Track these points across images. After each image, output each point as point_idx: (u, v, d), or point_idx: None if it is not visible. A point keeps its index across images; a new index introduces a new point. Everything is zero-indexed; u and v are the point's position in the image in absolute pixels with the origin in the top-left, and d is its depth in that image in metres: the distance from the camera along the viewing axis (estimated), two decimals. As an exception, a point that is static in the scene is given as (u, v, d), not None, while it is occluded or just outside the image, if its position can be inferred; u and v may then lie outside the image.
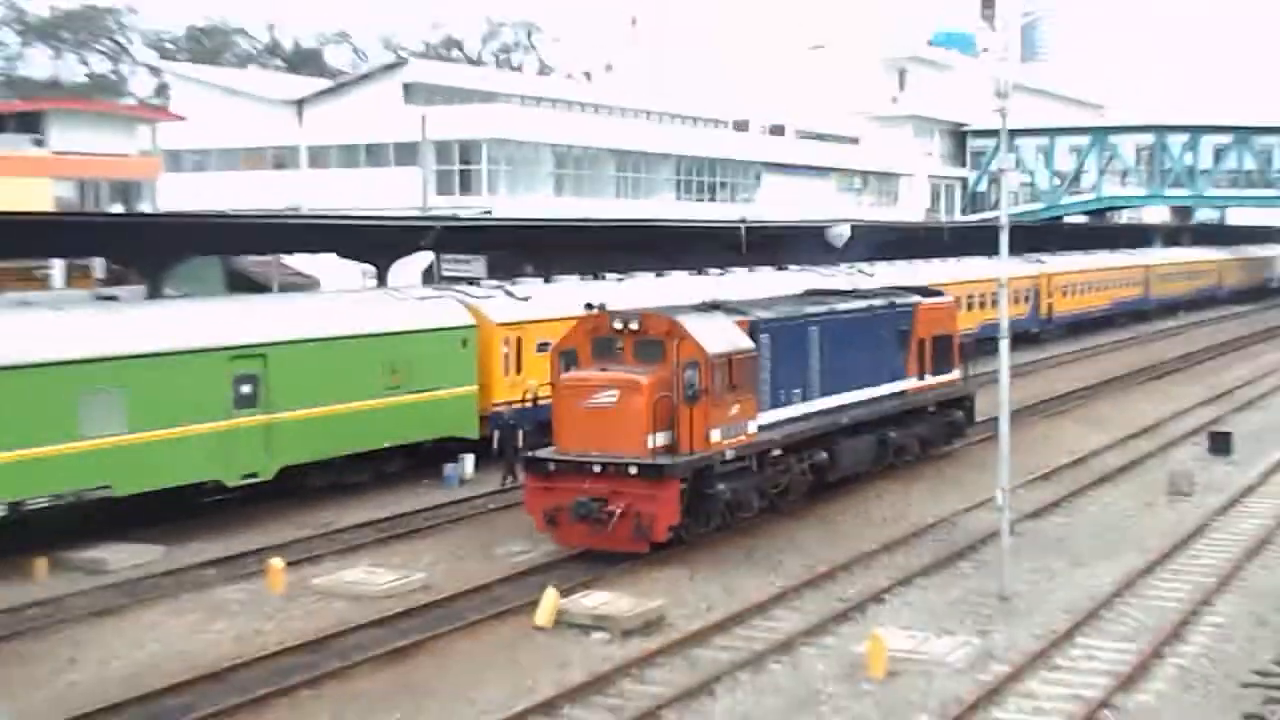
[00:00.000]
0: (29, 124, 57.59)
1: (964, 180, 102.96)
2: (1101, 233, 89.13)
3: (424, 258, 44.33)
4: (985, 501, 27.26)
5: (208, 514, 27.58)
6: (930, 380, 33.21)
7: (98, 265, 47.71)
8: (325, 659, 19.42)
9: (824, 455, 28.51)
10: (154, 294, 31.30)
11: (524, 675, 18.88)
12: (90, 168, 58.53)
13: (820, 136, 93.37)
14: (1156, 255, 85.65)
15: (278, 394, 27.95)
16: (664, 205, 71.48)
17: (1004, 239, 23.37)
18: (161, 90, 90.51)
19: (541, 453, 24.59)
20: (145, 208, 59.23)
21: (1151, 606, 22.09)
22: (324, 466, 29.62)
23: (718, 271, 44.60)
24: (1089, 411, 43.80)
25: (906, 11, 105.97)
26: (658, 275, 42.25)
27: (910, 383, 32.45)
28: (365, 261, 40.89)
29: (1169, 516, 28.76)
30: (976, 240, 57.63)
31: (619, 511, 23.41)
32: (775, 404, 26.80)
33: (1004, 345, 23.29)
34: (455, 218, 46.96)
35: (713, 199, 77.23)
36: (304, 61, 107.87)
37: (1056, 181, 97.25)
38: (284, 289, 46.72)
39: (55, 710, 17.57)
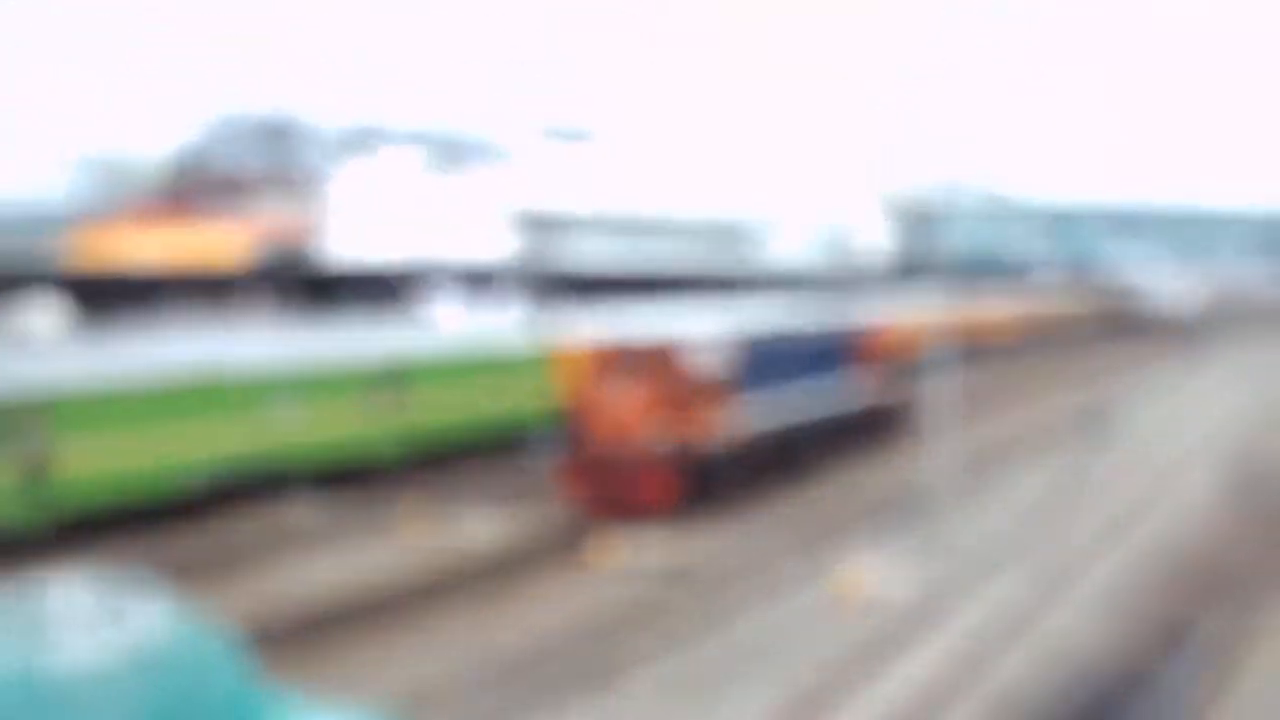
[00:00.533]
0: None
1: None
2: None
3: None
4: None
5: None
6: (874, 393, 36.84)
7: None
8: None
9: (794, 450, 31.63)
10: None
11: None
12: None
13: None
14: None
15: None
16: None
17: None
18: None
19: (573, 444, 27.50)
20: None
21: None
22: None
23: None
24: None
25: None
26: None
27: (861, 393, 35.92)
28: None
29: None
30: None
31: (634, 488, 26.54)
32: (760, 404, 29.90)
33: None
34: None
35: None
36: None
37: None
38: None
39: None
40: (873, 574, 20.64)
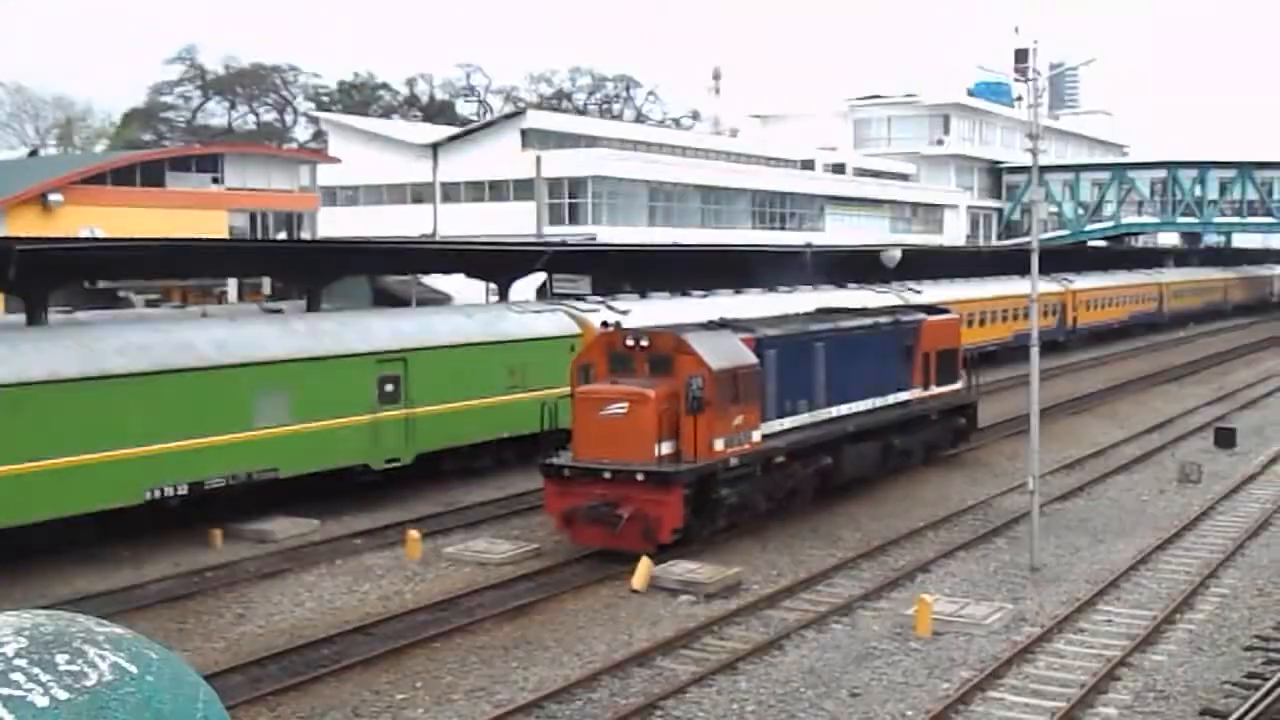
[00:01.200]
0: (209, 165, 58.59)
1: (1000, 210, 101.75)
2: (1120, 255, 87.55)
3: (538, 277, 44.54)
4: (1018, 486, 26.97)
5: (358, 493, 27.91)
6: (934, 390, 31.20)
7: (266, 284, 48.44)
8: (454, 616, 19.60)
9: (829, 461, 26.80)
10: (312, 308, 31.69)
11: (622, 631, 18.93)
12: (259, 201, 59.41)
13: (876, 174, 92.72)
14: (1169, 274, 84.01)
15: (416, 392, 28.22)
16: (742, 234, 71.26)
17: (1034, 261, 23.12)
18: (319, 136, 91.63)
19: (558, 459, 23.09)
20: (305, 236, 60.01)
21: (1164, 578, 21.73)
22: (454, 453, 29.86)
23: (786, 289, 44.42)
24: (1108, 409, 43.11)
25: (949, 63, 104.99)
26: (735, 293, 42.16)
27: (914, 393, 30.50)
28: (489, 280, 41.15)
29: (1179, 501, 28.24)
30: (1011, 262, 56.90)
31: (627, 515, 21.89)
32: (781, 414, 25.27)
33: (1034, 351, 23.04)
34: (564, 243, 47.13)
35: (783, 228, 76.86)
36: (438, 112, 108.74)
37: (1080, 211, 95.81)
38: (421, 303, 47.09)
39: (228, 656, 17.88)
40: (949, 610, 18.99)
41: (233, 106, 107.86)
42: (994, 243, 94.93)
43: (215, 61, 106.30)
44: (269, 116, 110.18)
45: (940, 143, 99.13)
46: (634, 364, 23.12)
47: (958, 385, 32.48)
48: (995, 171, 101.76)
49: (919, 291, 49.52)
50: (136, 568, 22.70)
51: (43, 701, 1.34)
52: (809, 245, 52.03)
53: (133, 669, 1.41)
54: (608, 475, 22.18)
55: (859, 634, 18.73)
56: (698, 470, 22.56)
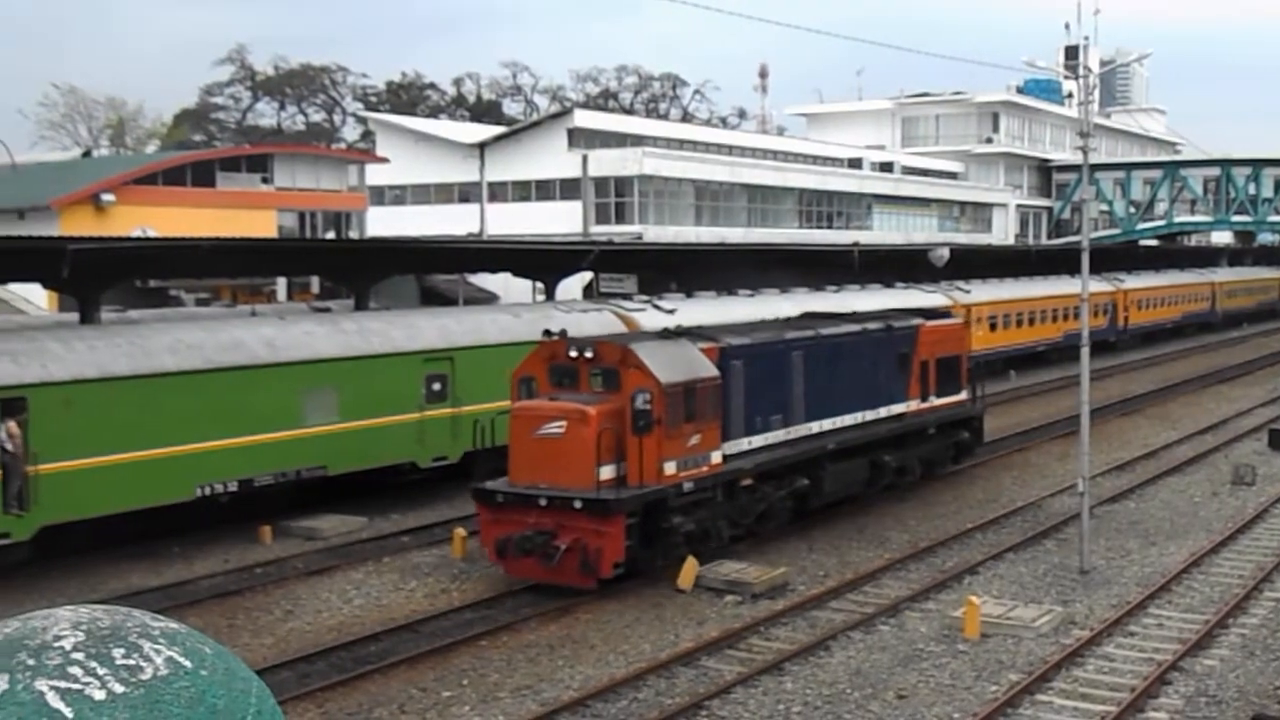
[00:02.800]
0: (258, 165, 59.06)
1: (1049, 209, 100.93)
2: (1173, 254, 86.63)
3: (584, 276, 44.64)
4: (1068, 487, 26.76)
5: (405, 491, 28.05)
6: (934, 402, 28.82)
7: (314, 283, 48.78)
8: (500, 614, 19.68)
9: (804, 482, 24.38)
10: (360, 306, 31.90)
11: (668, 630, 18.94)
12: (308, 201, 59.83)
13: (923, 172, 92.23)
14: (1223, 274, 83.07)
15: (463, 390, 28.35)
16: (788, 233, 71.06)
17: (1085, 260, 22.92)
18: (367, 136, 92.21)
19: (491, 484, 20.96)
20: (354, 235, 60.38)
21: (1216, 582, 21.49)
22: (502, 452, 29.93)
23: (833, 289, 44.27)
24: (1160, 410, 42.66)
25: (996, 59, 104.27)
26: (782, 292, 42.07)
27: (910, 405, 28.03)
28: (535, 279, 41.27)
29: (1232, 503, 27.91)
30: (1060, 261, 56.49)
31: (565, 547, 19.81)
32: (750, 431, 23.01)
33: (1084, 352, 22.85)
34: (611, 242, 47.17)
35: (830, 226, 76.59)
36: (485, 111, 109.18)
37: (1132, 210, 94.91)
38: (468, 303, 47.31)
39: (276, 652, 18.03)
40: (997, 612, 18.87)
41: (282, 107, 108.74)
42: (1043, 242, 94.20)
43: (265, 63, 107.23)
44: (318, 117, 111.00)
45: (989, 141, 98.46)
46: (578, 377, 21.12)
47: (960, 396, 30.14)
48: (1045, 170, 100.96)
49: (967, 291, 49.24)
50: (188, 564, 22.95)
51: (99, 695, 1.36)
52: (856, 244, 51.83)
53: (187, 664, 1.43)
54: (543, 502, 20.07)
55: (906, 635, 18.64)
56: (644, 497, 20.38)
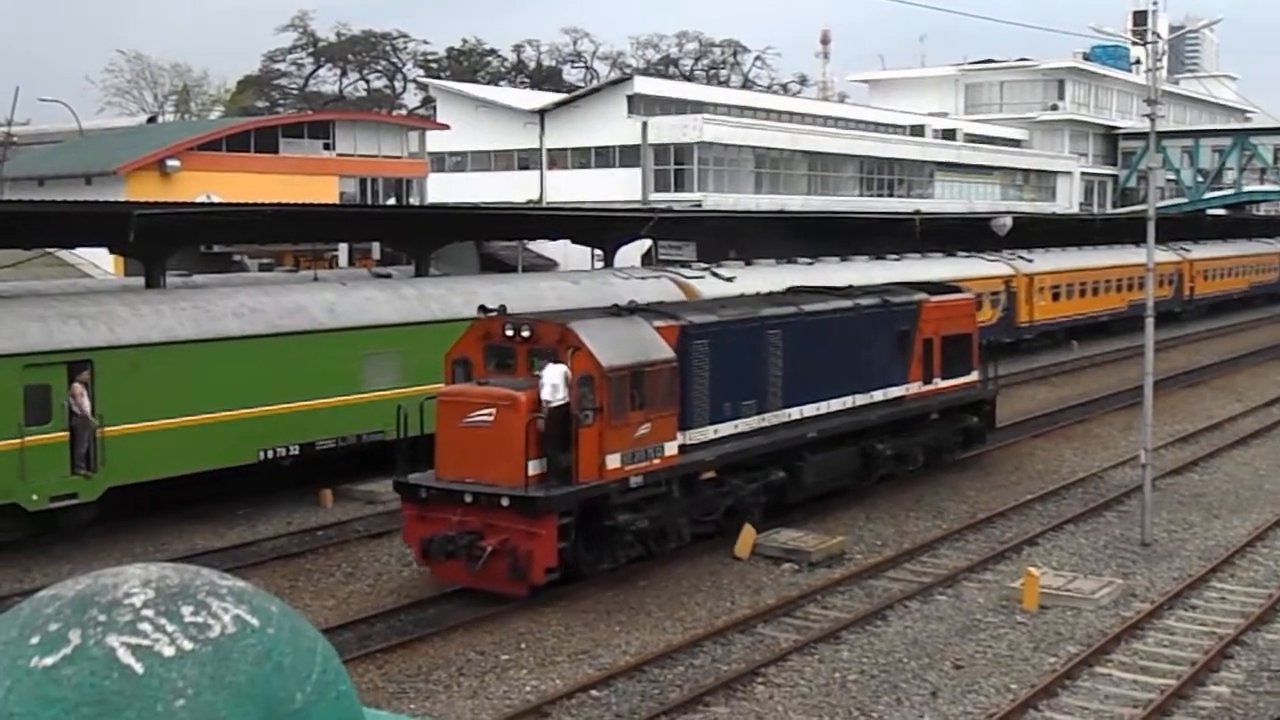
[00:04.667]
0: (320, 131, 59.42)
1: (1115, 178, 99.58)
2: (1241, 224, 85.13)
3: (643, 243, 44.61)
4: (1130, 459, 26.49)
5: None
6: (939, 384, 26.64)
7: (375, 249, 49.09)
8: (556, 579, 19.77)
9: (781, 474, 22.32)
10: (420, 273, 32.06)
11: (724, 597, 18.99)
12: (369, 167, 60.16)
13: (987, 140, 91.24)
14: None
15: (521, 357, 28.42)
16: (849, 200, 70.60)
17: (1150, 229, 22.63)
18: (427, 102, 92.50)
19: (415, 477, 18.98)
20: (414, 201, 60.68)
21: (1280, 556, 21.24)
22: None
23: (894, 257, 43.97)
24: (1226, 382, 42.06)
25: (1062, 25, 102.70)
26: (841, 260, 41.84)
27: (910, 387, 25.86)
28: (594, 246, 41.31)
29: (1298, 477, 27.54)
30: (1126, 231, 55.70)
31: (490, 549, 17.80)
32: (716, 419, 20.89)
33: (1149, 322, 22.58)
34: (670, 209, 47.08)
35: (891, 194, 76.01)
36: (545, 78, 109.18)
37: (1200, 178, 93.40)
38: (527, 269, 47.44)
39: (337, 614, 18.25)
40: (1056, 584, 18.75)
41: (344, 73, 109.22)
42: (1109, 210, 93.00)
43: (327, 29, 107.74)
44: (379, 83, 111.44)
45: (1054, 108, 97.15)
46: (514, 359, 19.22)
47: (970, 378, 27.95)
48: (1111, 137, 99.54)
49: (1030, 260, 48.71)
50: (250, 526, 23.26)
51: (169, 651, 1.38)
52: (918, 212, 51.38)
53: (254, 622, 1.45)
54: (468, 499, 18.17)
55: (964, 606, 18.57)
56: (581, 494, 18.36)
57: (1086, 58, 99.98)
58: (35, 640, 1.40)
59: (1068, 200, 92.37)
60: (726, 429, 21.10)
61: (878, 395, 24.87)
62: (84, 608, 1.38)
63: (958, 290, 28.87)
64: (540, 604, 18.43)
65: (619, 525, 18.80)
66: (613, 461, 18.65)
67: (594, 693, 15.32)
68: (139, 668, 1.33)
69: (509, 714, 14.68)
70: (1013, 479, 27.19)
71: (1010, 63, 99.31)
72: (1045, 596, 18.40)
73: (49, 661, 1.39)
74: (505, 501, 17.84)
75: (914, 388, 25.95)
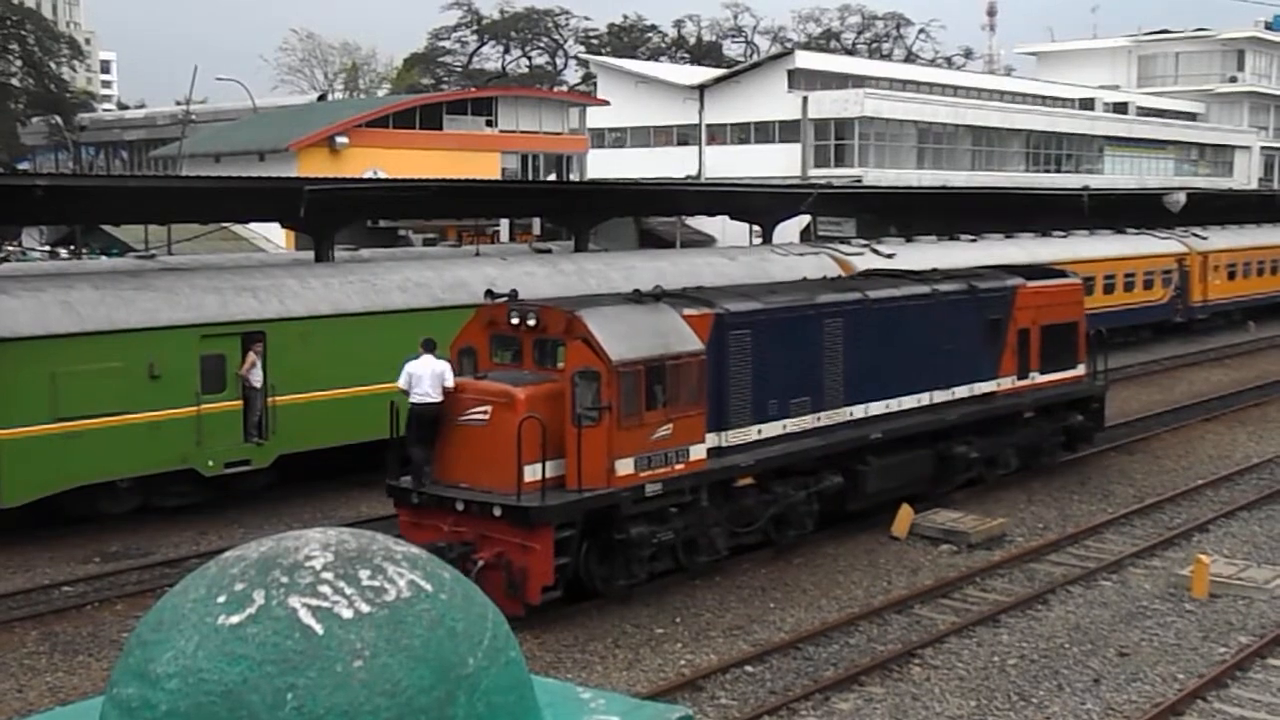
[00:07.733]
0: (482, 108, 60.31)
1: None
2: None
3: (802, 220, 44.30)
4: (1309, 446, 25.46)
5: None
6: (1036, 379, 24.21)
7: (536, 224, 49.69)
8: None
9: (837, 479, 20.07)
10: (579, 248, 32.35)
11: (881, 577, 18.82)
12: (531, 144, 60.88)
13: (1160, 113, 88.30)
14: None
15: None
16: (1015, 176, 69.06)
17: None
18: (588, 79, 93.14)
19: (408, 480, 17.39)
20: (574, 177, 61.22)
21: None
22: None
23: (1060, 234, 42.90)
24: None
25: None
26: (1006, 237, 40.97)
27: (1002, 383, 23.46)
28: (752, 222, 41.17)
29: None
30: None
31: (482, 563, 15.86)
32: (759, 418, 18.77)
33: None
34: (830, 185, 46.64)
35: (1059, 170, 74.10)
36: (705, 53, 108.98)
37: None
38: (685, 245, 47.51)
39: (499, 582, 18.49)
40: (1227, 572, 18.12)
41: (506, 50, 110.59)
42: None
43: (490, 6, 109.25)
44: (540, 60, 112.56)
45: (1233, 80, 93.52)
46: (521, 350, 17.49)
47: (1075, 372, 25.33)
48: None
49: (1204, 237, 47.06)
50: (412, 495, 23.75)
51: (347, 614, 1.41)
52: (1086, 188, 49.99)
53: (428, 587, 1.48)
54: (460, 506, 16.49)
55: (1129, 592, 18.10)
56: (585, 504, 16.42)
57: (1269, 26, 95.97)
58: (222, 599, 1.46)
59: (1246, 176, 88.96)
60: (773, 429, 18.99)
61: (961, 391, 22.50)
62: (267, 569, 1.44)
63: (1063, 275, 26.25)
64: (695, 579, 18.51)
65: (632, 539, 16.85)
66: (624, 467, 16.60)
67: (748, 668, 15.33)
68: (319, 629, 1.38)
69: (664, 687, 14.78)
70: (1183, 464, 26.35)
71: (1187, 33, 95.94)
72: (1215, 585, 17.81)
73: (235, 620, 1.44)
74: (497, 511, 16.13)
75: (1006, 383, 23.55)
